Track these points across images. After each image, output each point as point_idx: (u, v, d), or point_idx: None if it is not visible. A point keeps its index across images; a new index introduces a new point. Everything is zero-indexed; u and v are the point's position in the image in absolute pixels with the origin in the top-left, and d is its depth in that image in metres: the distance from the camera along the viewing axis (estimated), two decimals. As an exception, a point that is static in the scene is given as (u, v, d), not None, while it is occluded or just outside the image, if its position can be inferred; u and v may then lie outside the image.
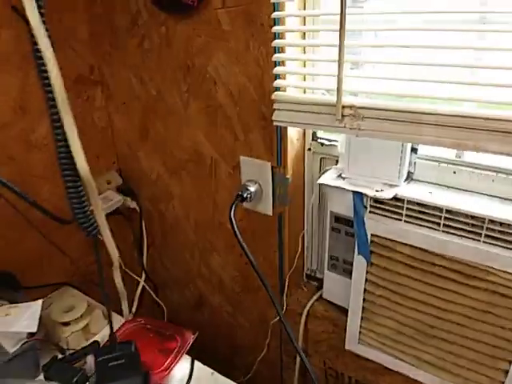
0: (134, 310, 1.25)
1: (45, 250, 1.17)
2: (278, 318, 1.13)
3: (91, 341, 1.03)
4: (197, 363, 1.00)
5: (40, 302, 0.91)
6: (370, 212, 0.87)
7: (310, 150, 0.99)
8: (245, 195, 1.00)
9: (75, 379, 0.90)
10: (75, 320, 1.01)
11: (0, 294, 1.04)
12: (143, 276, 1.29)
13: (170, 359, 0.95)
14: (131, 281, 1.30)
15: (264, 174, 0.99)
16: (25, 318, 0.88)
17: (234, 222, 0.92)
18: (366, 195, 0.85)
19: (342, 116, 0.79)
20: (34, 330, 0.87)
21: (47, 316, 1.01)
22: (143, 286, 1.30)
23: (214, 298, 1.31)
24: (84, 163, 0.57)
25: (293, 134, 0.95)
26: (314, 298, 1.09)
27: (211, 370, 0.98)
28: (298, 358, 1.15)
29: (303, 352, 1.14)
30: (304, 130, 0.97)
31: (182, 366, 0.99)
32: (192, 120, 1.06)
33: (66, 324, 1.01)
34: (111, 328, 0.81)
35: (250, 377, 1.30)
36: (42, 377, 0.94)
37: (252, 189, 1.01)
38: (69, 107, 0.52)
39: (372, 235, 0.88)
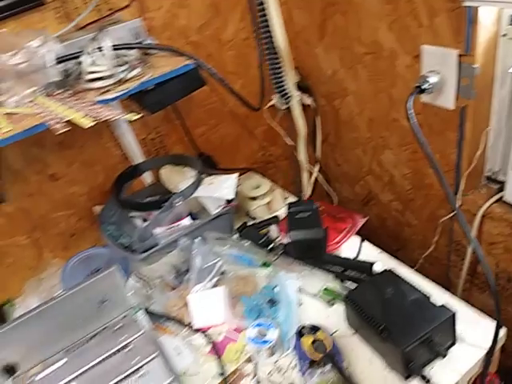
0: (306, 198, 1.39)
1: (234, 137, 1.37)
2: (449, 216, 1.11)
3: (273, 215, 1.21)
4: (365, 243, 1.09)
5: (236, 174, 1.10)
6: None
7: (505, 35, 0.88)
8: (424, 87, 0.96)
9: (262, 240, 1.10)
10: (261, 196, 1.20)
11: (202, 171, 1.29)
12: (317, 167, 1.40)
13: (341, 235, 1.06)
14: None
15: (448, 64, 0.93)
16: (225, 186, 1.08)
17: (410, 113, 0.91)
18: None
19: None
20: (232, 196, 1.07)
21: (239, 191, 1.21)
22: (316, 177, 1.42)
23: (383, 195, 1.35)
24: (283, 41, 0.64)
25: (485, 16, 0.85)
26: (493, 199, 1.03)
27: (379, 249, 1.06)
28: (467, 259, 1.14)
29: (475, 252, 1.13)
30: (499, 10, 0.86)
31: (352, 244, 1.09)
32: (372, 8, 1.03)
33: (254, 199, 1.21)
34: (301, 184, 0.95)
35: (414, 270, 1.35)
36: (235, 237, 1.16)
37: (432, 80, 0.96)
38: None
39: None
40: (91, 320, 0.91)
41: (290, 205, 0.96)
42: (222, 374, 0.86)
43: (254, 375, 0.86)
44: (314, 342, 0.80)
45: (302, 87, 1.36)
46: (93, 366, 0.79)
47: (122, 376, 0.75)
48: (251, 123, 1.39)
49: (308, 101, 1.36)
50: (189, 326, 0.96)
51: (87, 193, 1.19)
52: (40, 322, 0.88)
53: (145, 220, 1.18)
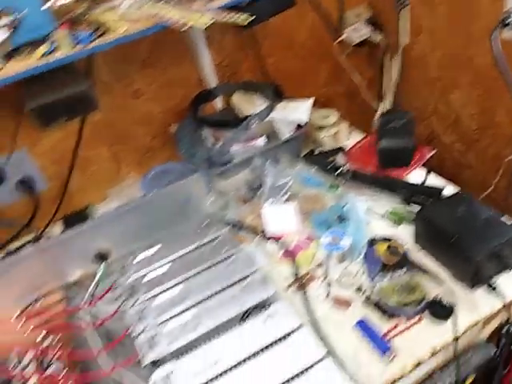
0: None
1: (303, 70, 1.41)
2: (515, 154, 1.14)
3: (338, 146, 1.26)
4: (431, 174, 1.13)
5: (312, 99, 1.14)
6: None
7: None
8: (508, 21, 0.97)
9: (329, 167, 1.15)
10: (329, 126, 1.24)
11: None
12: (384, 103, 1.43)
13: (408, 165, 1.11)
14: (369, 109, 1.46)
15: (540, -6, 0.93)
16: (300, 110, 1.12)
17: (495, 44, 0.93)
18: None
19: None
20: (306, 120, 1.12)
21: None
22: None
23: (445, 137, 1.37)
24: None
25: None
26: None
27: (444, 180, 1.10)
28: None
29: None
30: None
31: (418, 174, 1.13)
32: None
33: (321, 128, 1.25)
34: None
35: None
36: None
37: (519, 14, 0.97)
38: None
39: None
40: (175, 220, 0.99)
41: (383, 114, 1.01)
42: (295, 274, 0.94)
43: (325, 277, 0.94)
44: (388, 248, 0.86)
45: (374, 23, 1.37)
46: (185, 254, 0.87)
47: (214, 261, 0.83)
48: (319, 57, 1.41)
49: (378, 38, 1.37)
50: (262, 234, 1.03)
51: (163, 112, 1.26)
52: (129, 217, 0.96)
53: (215, 141, 1.24)
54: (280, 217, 1.05)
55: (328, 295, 0.90)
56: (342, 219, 1.03)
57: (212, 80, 1.26)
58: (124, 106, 1.19)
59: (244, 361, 0.67)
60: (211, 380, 0.65)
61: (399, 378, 0.77)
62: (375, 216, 1.05)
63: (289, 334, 0.69)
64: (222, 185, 1.16)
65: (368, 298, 0.87)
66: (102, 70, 1.11)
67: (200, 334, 0.72)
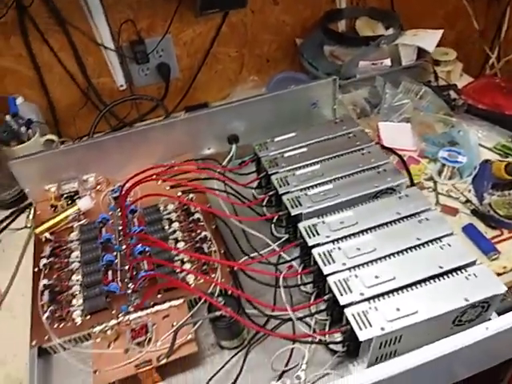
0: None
1: (423, 8, 1.45)
2: None
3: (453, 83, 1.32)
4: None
5: (441, 31, 1.20)
6: None
7: None
8: None
9: (444, 98, 1.22)
10: (445, 62, 1.30)
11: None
12: (495, 54, 1.47)
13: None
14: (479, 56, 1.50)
15: None
16: (428, 38, 1.18)
17: None
18: None
19: None
20: (432, 49, 1.18)
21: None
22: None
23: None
24: None
25: None
26: None
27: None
28: None
29: None
30: None
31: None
32: None
33: (438, 63, 1.31)
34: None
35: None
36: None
37: None
38: None
39: None
40: (303, 119, 1.09)
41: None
42: (410, 180, 1.03)
43: (434, 189, 1.04)
44: (507, 166, 0.95)
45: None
46: (320, 141, 0.97)
47: (349, 150, 0.93)
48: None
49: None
50: (377, 143, 1.12)
51: (292, 24, 1.34)
52: (261, 108, 1.06)
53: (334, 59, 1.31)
54: (395, 133, 1.14)
55: (437, 202, 1.00)
56: (453, 144, 1.11)
57: (342, 1, 1.33)
58: (261, 11, 1.27)
59: (379, 225, 0.78)
60: (352, 235, 0.77)
61: (499, 275, 0.87)
62: (484, 149, 1.13)
63: (419, 213, 0.80)
64: (342, 98, 1.25)
65: (475, 210, 0.97)
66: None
67: (338, 202, 0.83)
